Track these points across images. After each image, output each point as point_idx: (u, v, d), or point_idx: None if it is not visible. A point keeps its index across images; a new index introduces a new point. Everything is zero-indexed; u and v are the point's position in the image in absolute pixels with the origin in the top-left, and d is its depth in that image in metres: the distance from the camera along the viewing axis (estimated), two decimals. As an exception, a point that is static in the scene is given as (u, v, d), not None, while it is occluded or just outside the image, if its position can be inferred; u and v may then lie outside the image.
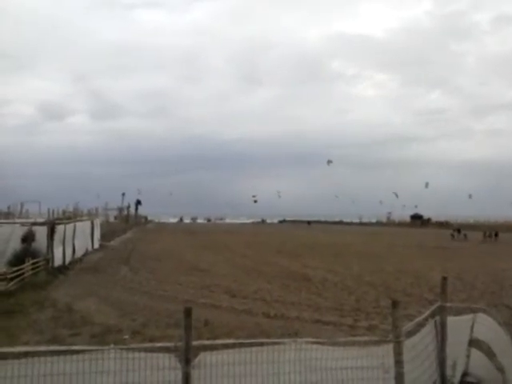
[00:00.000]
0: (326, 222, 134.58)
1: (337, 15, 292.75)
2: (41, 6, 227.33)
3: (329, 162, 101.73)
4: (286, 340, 5.95)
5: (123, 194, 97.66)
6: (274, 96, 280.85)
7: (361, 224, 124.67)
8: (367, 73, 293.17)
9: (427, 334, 6.22)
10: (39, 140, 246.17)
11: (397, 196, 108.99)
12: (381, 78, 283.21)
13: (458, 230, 60.70)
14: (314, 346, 5.30)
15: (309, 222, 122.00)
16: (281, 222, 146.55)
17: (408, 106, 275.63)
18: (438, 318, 6.47)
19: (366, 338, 6.99)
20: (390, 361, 5.31)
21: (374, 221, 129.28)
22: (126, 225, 79.65)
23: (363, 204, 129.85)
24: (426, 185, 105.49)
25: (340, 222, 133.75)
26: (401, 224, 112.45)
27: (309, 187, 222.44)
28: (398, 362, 5.23)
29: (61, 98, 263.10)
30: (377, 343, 5.78)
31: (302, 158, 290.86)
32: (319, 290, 19.37)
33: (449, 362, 6.56)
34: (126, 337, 11.65)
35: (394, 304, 5.49)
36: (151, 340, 10.78)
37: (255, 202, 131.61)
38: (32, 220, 31.51)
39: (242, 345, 5.36)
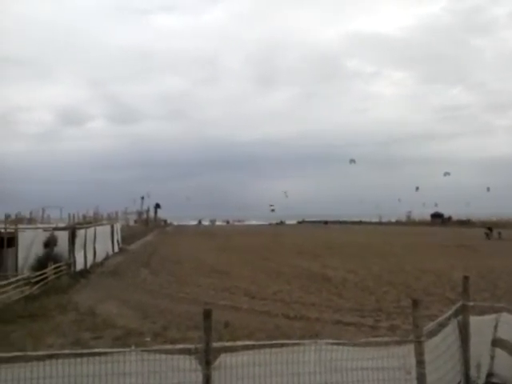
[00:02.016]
0: (345, 222, 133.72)
1: (353, 14, 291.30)
2: (58, 14, 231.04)
3: (351, 161, 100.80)
4: (306, 341, 5.95)
5: (142, 198, 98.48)
6: (290, 96, 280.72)
7: (380, 223, 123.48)
8: (385, 71, 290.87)
9: (449, 333, 6.15)
10: (59, 146, 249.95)
11: (417, 189, 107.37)
12: (399, 76, 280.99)
13: (490, 229, 58.20)
14: (335, 347, 5.29)
15: (326, 222, 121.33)
16: (300, 222, 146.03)
17: (427, 103, 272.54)
18: (460, 317, 6.39)
19: (386, 339, 6.94)
20: (412, 361, 5.26)
21: (393, 220, 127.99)
22: (145, 228, 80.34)
23: (382, 203, 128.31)
24: (446, 174, 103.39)
25: (359, 222, 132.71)
26: (421, 223, 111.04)
27: (327, 187, 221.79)
28: (420, 363, 5.18)
29: (79, 103, 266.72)
30: (398, 343, 5.74)
31: (319, 158, 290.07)
32: (339, 291, 19.27)
33: (472, 363, 6.47)
34: (148, 339, 11.74)
35: (415, 303, 5.44)
36: (172, 342, 10.85)
37: (272, 210, 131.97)
38: (53, 225, 32.01)
39: (262, 346, 5.37)
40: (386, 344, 5.84)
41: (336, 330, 12.62)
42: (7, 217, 29.84)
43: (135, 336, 12.11)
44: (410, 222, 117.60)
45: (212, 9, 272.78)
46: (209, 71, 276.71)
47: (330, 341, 5.57)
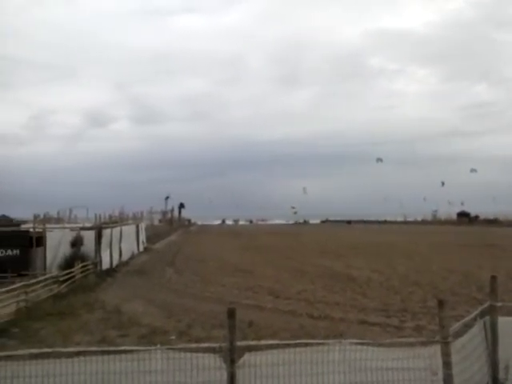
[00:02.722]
0: (369, 222, 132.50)
1: (375, 11, 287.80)
2: (80, 16, 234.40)
3: (378, 160, 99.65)
4: (330, 341, 5.94)
5: (167, 198, 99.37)
6: (313, 95, 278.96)
7: (405, 223, 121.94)
8: (409, 68, 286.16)
9: (476, 334, 6.05)
10: (84, 147, 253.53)
11: (443, 184, 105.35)
12: (423, 73, 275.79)
13: None
14: (359, 347, 5.26)
15: (349, 222, 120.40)
16: (323, 222, 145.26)
17: (452, 100, 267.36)
18: (486, 318, 6.28)
19: (412, 339, 6.85)
20: (438, 362, 5.20)
21: (419, 219, 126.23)
22: (169, 228, 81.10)
23: (407, 202, 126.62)
24: (472, 170, 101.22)
25: (384, 221, 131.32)
26: (447, 222, 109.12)
27: (351, 186, 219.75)
28: (446, 364, 5.12)
29: (104, 105, 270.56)
30: (423, 344, 5.68)
31: (342, 156, 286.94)
32: (364, 290, 19.12)
33: (501, 365, 6.35)
34: (173, 337, 11.87)
35: (441, 304, 5.37)
36: (197, 341, 10.94)
37: (295, 213, 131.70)
38: (80, 225, 32.59)
39: (286, 345, 5.38)
40: (412, 344, 5.78)
41: (361, 329, 12.53)
42: (36, 217, 30.49)
43: (160, 334, 12.25)
44: (435, 221, 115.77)
45: (233, 9, 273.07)
46: (231, 72, 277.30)
47: (355, 340, 5.55)
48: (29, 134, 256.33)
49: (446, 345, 5.12)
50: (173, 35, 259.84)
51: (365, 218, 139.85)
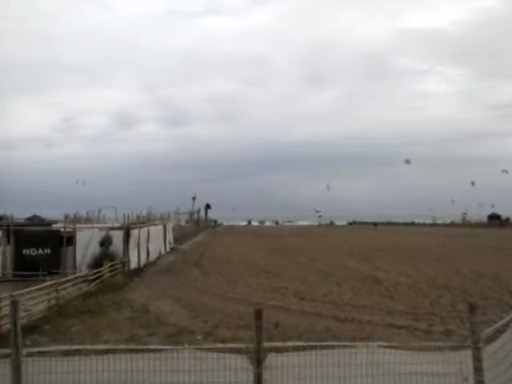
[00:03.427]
0: (396, 224, 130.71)
1: (403, 10, 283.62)
2: (109, 19, 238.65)
3: (406, 161, 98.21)
4: (357, 343, 5.89)
5: (193, 199, 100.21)
6: (339, 96, 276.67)
7: (434, 225, 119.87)
8: (438, 68, 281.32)
9: (508, 340, 5.89)
10: (113, 148, 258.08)
11: (473, 184, 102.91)
12: (452, 73, 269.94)
13: None
14: (387, 350, 5.21)
15: (375, 224, 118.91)
16: (350, 223, 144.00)
17: (482, 100, 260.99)
18: (520, 323, 6.12)
19: (441, 344, 6.74)
20: (469, 368, 5.10)
21: (447, 221, 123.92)
22: (196, 228, 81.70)
23: (435, 204, 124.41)
24: (504, 171, 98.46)
25: (412, 224, 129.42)
26: (477, 225, 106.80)
27: (378, 188, 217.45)
28: (478, 370, 5.01)
29: (132, 107, 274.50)
30: (454, 349, 5.57)
31: (370, 158, 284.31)
32: (391, 293, 18.87)
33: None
34: (199, 337, 11.95)
35: (472, 308, 5.26)
36: (222, 341, 10.99)
37: (320, 216, 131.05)
38: (109, 225, 33.13)
39: (312, 348, 5.36)
40: (441, 349, 5.69)
41: (388, 333, 12.37)
42: (66, 217, 31.17)
43: (187, 334, 12.36)
44: (465, 224, 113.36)
45: (259, 10, 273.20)
46: (257, 72, 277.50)
47: (383, 343, 5.48)
48: (59, 135, 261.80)
49: (477, 350, 5.01)
50: (200, 37, 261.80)
51: (392, 220, 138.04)
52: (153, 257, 33.02)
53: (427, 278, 23.31)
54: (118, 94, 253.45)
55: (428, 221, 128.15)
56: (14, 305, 5.24)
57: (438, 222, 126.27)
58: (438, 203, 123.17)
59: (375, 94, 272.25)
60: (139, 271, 26.93)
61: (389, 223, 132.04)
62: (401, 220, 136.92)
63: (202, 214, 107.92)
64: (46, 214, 47.36)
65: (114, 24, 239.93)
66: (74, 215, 34.22)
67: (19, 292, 13.74)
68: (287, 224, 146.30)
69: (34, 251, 26.71)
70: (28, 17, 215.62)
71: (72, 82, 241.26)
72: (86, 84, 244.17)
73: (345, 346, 5.46)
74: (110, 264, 23.21)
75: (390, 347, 5.34)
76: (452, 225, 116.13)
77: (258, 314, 4.90)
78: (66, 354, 5.44)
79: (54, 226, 31.44)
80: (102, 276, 21.45)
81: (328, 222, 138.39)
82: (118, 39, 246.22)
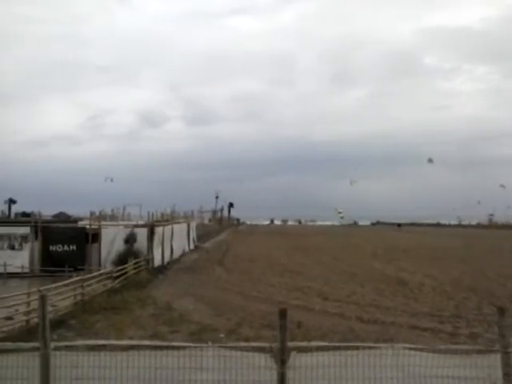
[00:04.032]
0: (421, 225, 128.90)
1: (430, 7, 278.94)
2: (136, 20, 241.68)
3: (429, 160, 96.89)
4: (382, 345, 5.82)
5: (217, 197, 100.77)
6: (365, 95, 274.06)
7: (460, 226, 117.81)
8: (465, 66, 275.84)
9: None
10: (139, 146, 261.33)
11: (503, 187, 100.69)
12: (480, 71, 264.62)
13: None
14: (413, 352, 5.13)
15: (399, 225, 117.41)
16: (373, 224, 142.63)
17: (511, 98, 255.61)
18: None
19: (468, 347, 6.61)
20: (498, 373, 4.98)
21: (473, 223, 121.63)
22: (219, 227, 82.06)
23: (462, 205, 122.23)
24: None
25: (437, 225, 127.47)
26: (504, 226, 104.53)
27: (403, 188, 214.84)
28: (507, 375, 4.88)
29: (158, 106, 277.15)
30: (480, 353, 5.46)
31: (395, 157, 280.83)
32: (415, 295, 18.61)
33: None
34: (222, 335, 11.98)
35: (501, 311, 5.14)
36: (245, 339, 11.01)
37: (342, 218, 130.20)
38: (133, 222, 33.54)
39: (336, 348, 5.32)
40: (468, 352, 5.58)
41: (412, 335, 12.20)
42: (92, 214, 31.65)
43: (210, 332, 12.40)
44: (492, 225, 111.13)
45: (285, 9, 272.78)
46: (283, 71, 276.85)
47: (408, 345, 5.40)
48: (86, 133, 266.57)
49: (506, 355, 4.89)
50: (225, 37, 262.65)
51: (416, 221, 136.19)
52: (176, 255, 33.28)
53: (452, 279, 22.92)
54: (144, 93, 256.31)
55: (453, 222, 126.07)
56: (43, 299, 5.34)
57: (463, 223, 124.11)
58: (464, 204, 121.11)
59: (401, 92, 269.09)
60: (163, 269, 27.15)
61: (413, 224, 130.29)
62: (426, 221, 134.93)
63: (225, 212, 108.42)
64: (72, 211, 48.26)
65: (142, 25, 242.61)
66: (100, 212, 34.72)
67: (47, 287, 14.02)
68: (310, 223, 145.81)
69: (60, 247, 27.25)
70: (61, 19, 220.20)
71: (100, 81, 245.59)
72: (113, 83, 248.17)
73: (370, 347, 5.40)
74: (134, 261, 23.47)
75: (415, 349, 5.26)
76: (478, 226, 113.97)
77: (283, 314, 4.88)
78: (92, 348, 5.52)
79: (80, 224, 32.01)
80: (126, 273, 21.71)
81: (351, 222, 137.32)
82: (145, 39, 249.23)
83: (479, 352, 5.54)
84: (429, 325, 13.50)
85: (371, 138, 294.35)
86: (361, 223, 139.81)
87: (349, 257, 35.18)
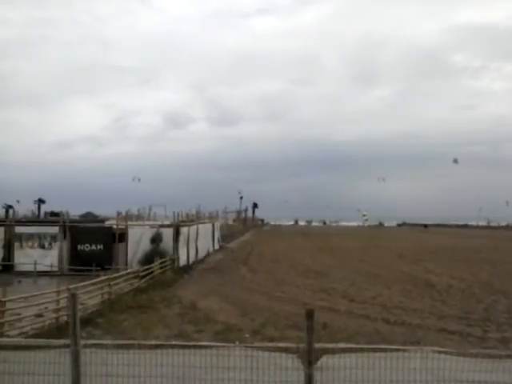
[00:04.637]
0: (449, 226, 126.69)
1: (457, 5, 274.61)
2: (161, 21, 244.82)
3: (455, 160, 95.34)
4: (410, 347, 5.74)
5: (241, 198, 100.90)
6: (390, 94, 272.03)
7: (488, 227, 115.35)
8: (494, 64, 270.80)
9: None
10: (164, 147, 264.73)
11: None
12: (509, 69, 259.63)
13: None
14: (442, 356, 5.04)
15: (425, 226, 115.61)
16: (399, 225, 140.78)
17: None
18: None
19: (500, 352, 6.47)
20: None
21: (503, 224, 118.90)
22: (243, 227, 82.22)
23: (490, 205, 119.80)
24: None
25: (465, 226, 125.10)
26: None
27: (429, 188, 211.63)
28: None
29: (182, 107, 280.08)
30: (512, 357, 5.33)
31: (421, 157, 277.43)
32: (443, 297, 18.31)
33: None
34: (247, 335, 12.01)
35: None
36: (270, 340, 11.02)
37: (366, 220, 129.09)
38: (159, 222, 33.88)
39: (363, 350, 5.28)
40: (500, 357, 5.44)
41: (440, 338, 12.01)
42: (118, 214, 32.12)
43: (235, 332, 12.45)
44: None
45: (308, 9, 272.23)
46: (306, 71, 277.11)
47: (437, 348, 5.31)
48: (112, 135, 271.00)
49: (539, 359, 4.78)
50: (249, 37, 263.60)
51: (443, 222, 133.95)
52: (201, 254, 33.49)
53: (481, 282, 22.48)
54: (168, 94, 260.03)
55: (482, 223, 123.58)
56: (73, 297, 5.45)
57: (492, 224, 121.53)
58: (492, 205, 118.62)
59: (427, 91, 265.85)
60: (188, 268, 27.35)
61: (440, 225, 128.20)
62: (453, 222, 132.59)
63: (250, 213, 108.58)
64: (99, 211, 49.07)
65: (166, 26, 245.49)
66: (126, 212, 35.21)
67: (75, 285, 14.29)
68: (334, 224, 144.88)
69: (87, 247, 27.73)
70: (86, 21, 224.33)
71: (124, 83, 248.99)
72: (137, 85, 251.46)
73: (397, 350, 5.33)
74: (160, 261, 23.71)
75: (444, 353, 5.17)
76: (507, 227, 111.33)
77: (310, 315, 4.86)
78: (121, 347, 5.60)
79: (107, 223, 32.52)
80: (152, 272, 21.95)
81: (377, 223, 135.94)
82: (169, 40, 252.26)
83: (510, 357, 5.41)
84: (457, 328, 13.26)
85: (397, 138, 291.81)
86: (386, 224, 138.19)
87: (374, 258, 34.84)
